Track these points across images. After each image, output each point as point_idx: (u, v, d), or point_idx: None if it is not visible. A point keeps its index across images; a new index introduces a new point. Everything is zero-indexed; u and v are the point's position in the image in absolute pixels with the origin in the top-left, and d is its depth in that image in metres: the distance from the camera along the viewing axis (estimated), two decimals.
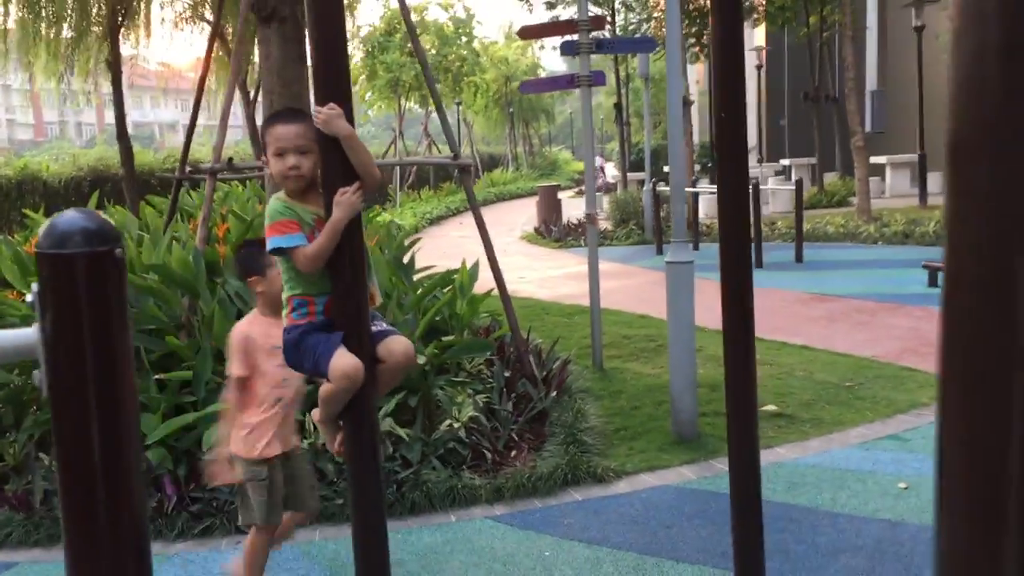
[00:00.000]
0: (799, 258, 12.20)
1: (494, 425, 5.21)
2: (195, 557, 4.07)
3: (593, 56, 6.19)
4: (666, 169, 23.57)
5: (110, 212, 10.77)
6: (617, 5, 19.26)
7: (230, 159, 5.42)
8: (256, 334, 3.31)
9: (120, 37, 11.20)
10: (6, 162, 14.86)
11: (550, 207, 18.29)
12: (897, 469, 4.61)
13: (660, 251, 13.93)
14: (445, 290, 6.16)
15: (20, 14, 11.64)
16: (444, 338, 5.86)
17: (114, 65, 10.98)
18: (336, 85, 2.54)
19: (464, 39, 26.20)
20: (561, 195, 30.86)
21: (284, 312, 2.72)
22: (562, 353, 7.14)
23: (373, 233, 6.99)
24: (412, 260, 6.78)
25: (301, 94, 5.84)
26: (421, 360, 5.03)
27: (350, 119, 2.57)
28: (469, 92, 30.19)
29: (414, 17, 24.76)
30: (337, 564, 3.94)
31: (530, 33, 6.52)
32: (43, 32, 11.57)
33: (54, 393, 1.13)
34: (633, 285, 11.16)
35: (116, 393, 1.11)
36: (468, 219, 22.48)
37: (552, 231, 16.73)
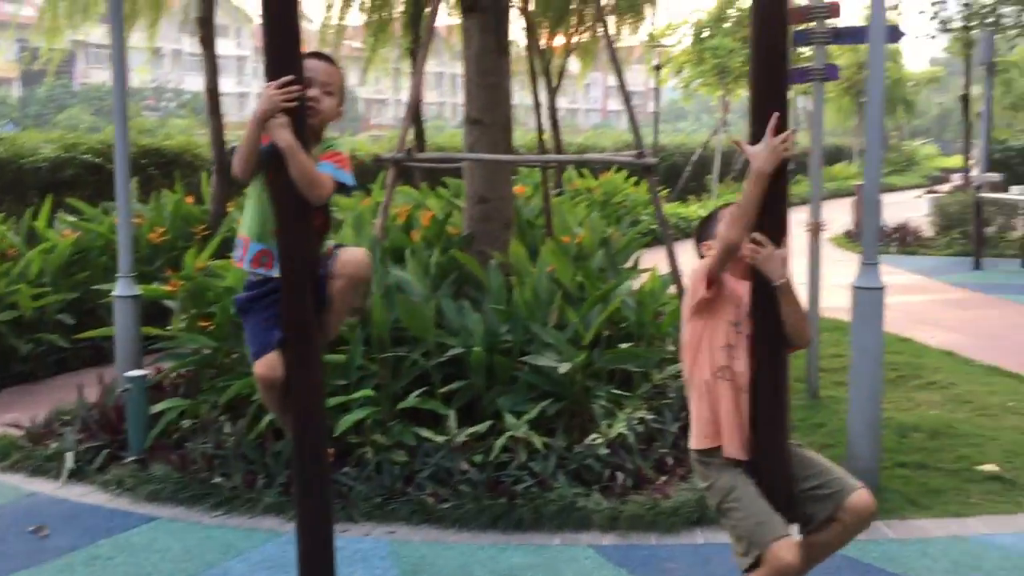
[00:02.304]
0: None
1: (648, 446, 4.84)
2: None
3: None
4: None
5: (398, 190, 11.44)
6: None
7: (409, 149, 5.50)
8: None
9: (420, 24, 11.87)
10: None
11: None
12: None
13: (978, 265, 12.27)
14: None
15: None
16: (622, 345, 5.56)
17: (413, 51, 11.66)
18: (288, 61, 2.41)
19: None
20: (905, 195, 28.40)
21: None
22: None
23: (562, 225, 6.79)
24: (617, 259, 6.51)
25: (499, 84, 5.80)
26: (564, 368, 4.79)
27: (301, 114, 2.43)
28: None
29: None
30: (419, 568, 3.85)
31: None
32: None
33: None
34: (920, 303, 9.92)
35: None
36: (793, 215, 21.14)
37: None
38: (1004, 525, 4.13)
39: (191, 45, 13.57)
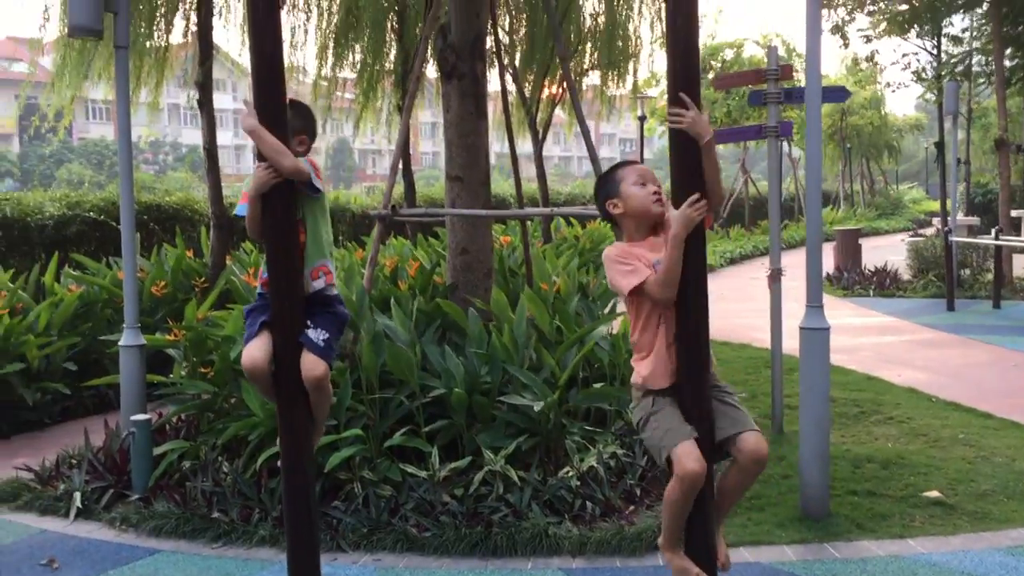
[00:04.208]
0: None
1: (619, 478, 5.20)
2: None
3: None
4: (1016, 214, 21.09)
5: (391, 242, 11.86)
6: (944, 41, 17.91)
7: (394, 206, 5.93)
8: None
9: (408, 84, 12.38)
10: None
11: (847, 252, 17.27)
12: None
13: (951, 307, 12.70)
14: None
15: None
16: (596, 385, 5.94)
17: (404, 110, 12.12)
18: (273, 107, 2.89)
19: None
20: (891, 239, 28.92)
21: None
22: (751, 411, 6.89)
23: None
24: (596, 305, 6.91)
25: (477, 145, 6.25)
26: (538, 407, 5.17)
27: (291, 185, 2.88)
28: (798, 127, 29.08)
29: (730, 53, 24.51)
30: None
31: (724, 83, 6.38)
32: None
33: None
34: (891, 343, 10.32)
35: None
36: (786, 257, 21.52)
37: (843, 278, 15.82)
38: (940, 545, 4.49)
39: (188, 99, 14.17)
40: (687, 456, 2.83)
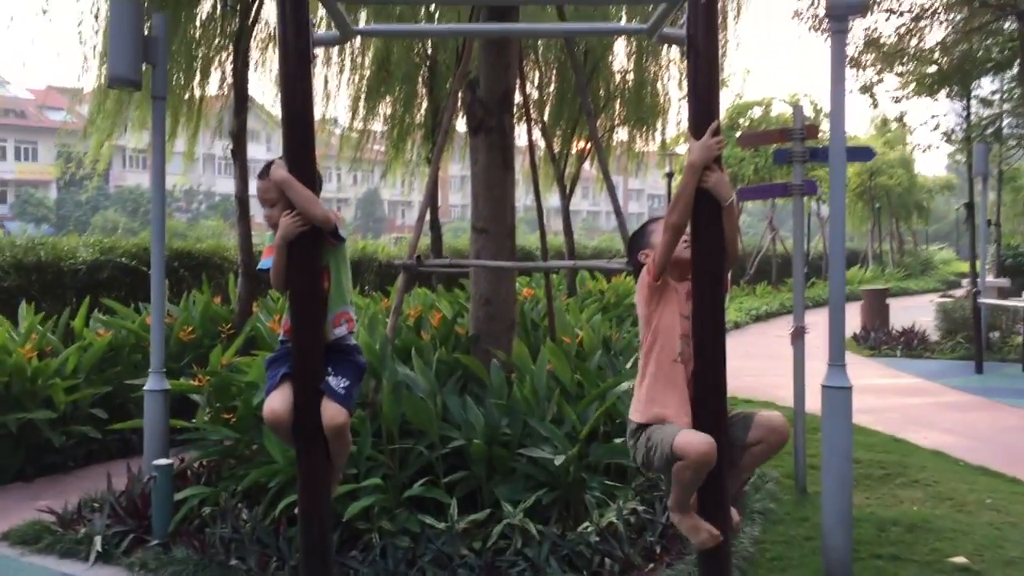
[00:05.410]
0: None
1: (639, 535, 5.15)
2: None
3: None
4: None
5: (415, 292, 11.87)
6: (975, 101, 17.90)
7: (419, 256, 5.98)
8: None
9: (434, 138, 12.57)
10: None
11: (874, 312, 17.13)
12: None
13: (979, 369, 12.53)
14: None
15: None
16: (617, 440, 5.91)
17: (433, 162, 12.28)
18: (302, 161, 2.96)
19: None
20: (919, 300, 28.63)
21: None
22: (774, 470, 6.82)
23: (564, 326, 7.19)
24: (619, 359, 6.89)
25: (503, 198, 6.31)
26: (559, 460, 5.15)
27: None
28: (823, 186, 29.10)
29: (758, 111, 24.66)
30: None
31: (749, 141, 6.43)
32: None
33: None
34: (918, 405, 10.19)
35: None
36: (810, 316, 21.27)
37: (870, 338, 15.68)
38: None
39: (222, 150, 14.37)
40: (692, 437, 2.83)
